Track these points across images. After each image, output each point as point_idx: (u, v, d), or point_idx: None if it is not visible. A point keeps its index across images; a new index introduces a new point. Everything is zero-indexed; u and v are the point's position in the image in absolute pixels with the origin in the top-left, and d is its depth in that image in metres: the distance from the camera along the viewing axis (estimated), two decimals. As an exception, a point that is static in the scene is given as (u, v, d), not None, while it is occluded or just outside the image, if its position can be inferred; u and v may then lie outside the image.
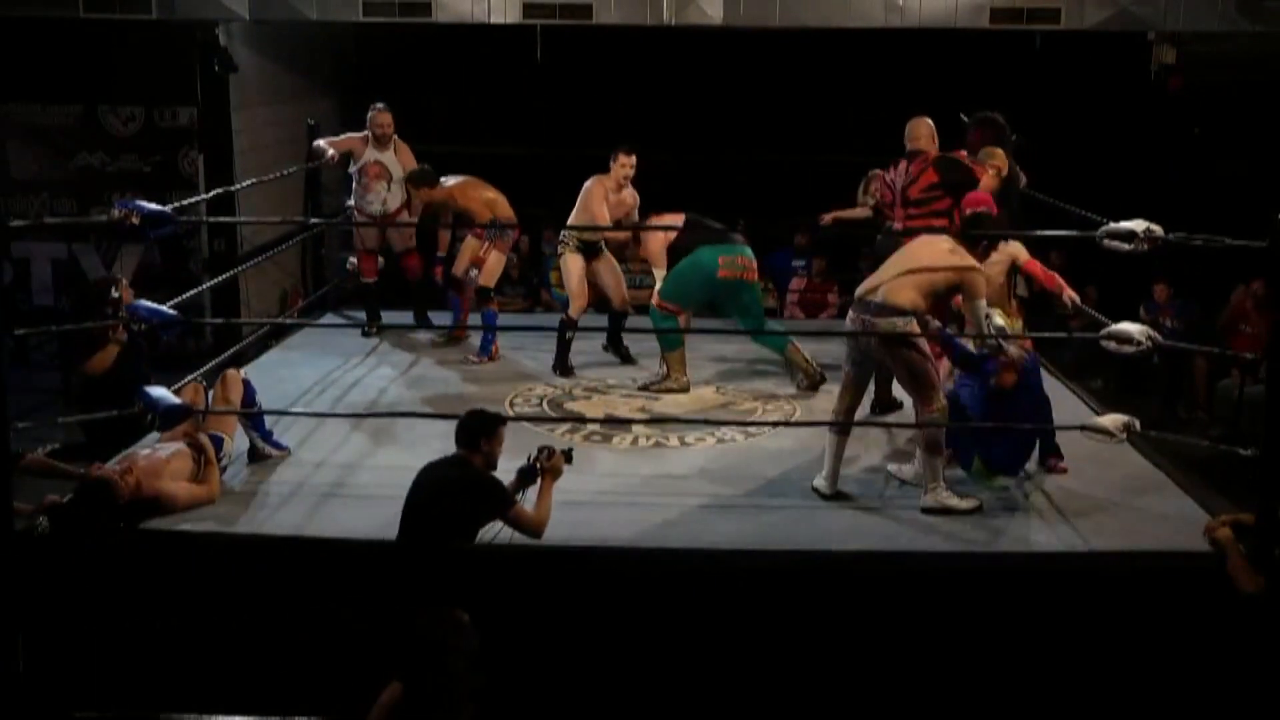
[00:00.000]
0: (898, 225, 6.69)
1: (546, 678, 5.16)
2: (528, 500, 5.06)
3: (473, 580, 4.76)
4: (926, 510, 5.59)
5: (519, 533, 4.99)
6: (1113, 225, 5.30)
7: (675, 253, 7.38)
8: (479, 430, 4.87)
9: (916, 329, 5.59)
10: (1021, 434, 5.83)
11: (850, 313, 5.78)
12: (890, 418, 6.69)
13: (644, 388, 7.40)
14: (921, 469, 5.71)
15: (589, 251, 7.86)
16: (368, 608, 4.79)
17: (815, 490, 5.78)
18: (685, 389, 7.35)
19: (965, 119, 6.83)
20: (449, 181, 8.08)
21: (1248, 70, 9.69)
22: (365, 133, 8.31)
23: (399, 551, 4.75)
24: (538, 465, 5.09)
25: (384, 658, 4.73)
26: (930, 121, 6.74)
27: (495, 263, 8.04)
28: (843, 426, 5.80)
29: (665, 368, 7.39)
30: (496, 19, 8.40)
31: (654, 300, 7.47)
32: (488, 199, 8.00)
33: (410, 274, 8.60)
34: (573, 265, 7.81)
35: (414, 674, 4.68)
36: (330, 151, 8.39)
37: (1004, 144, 6.83)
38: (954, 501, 5.60)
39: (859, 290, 5.75)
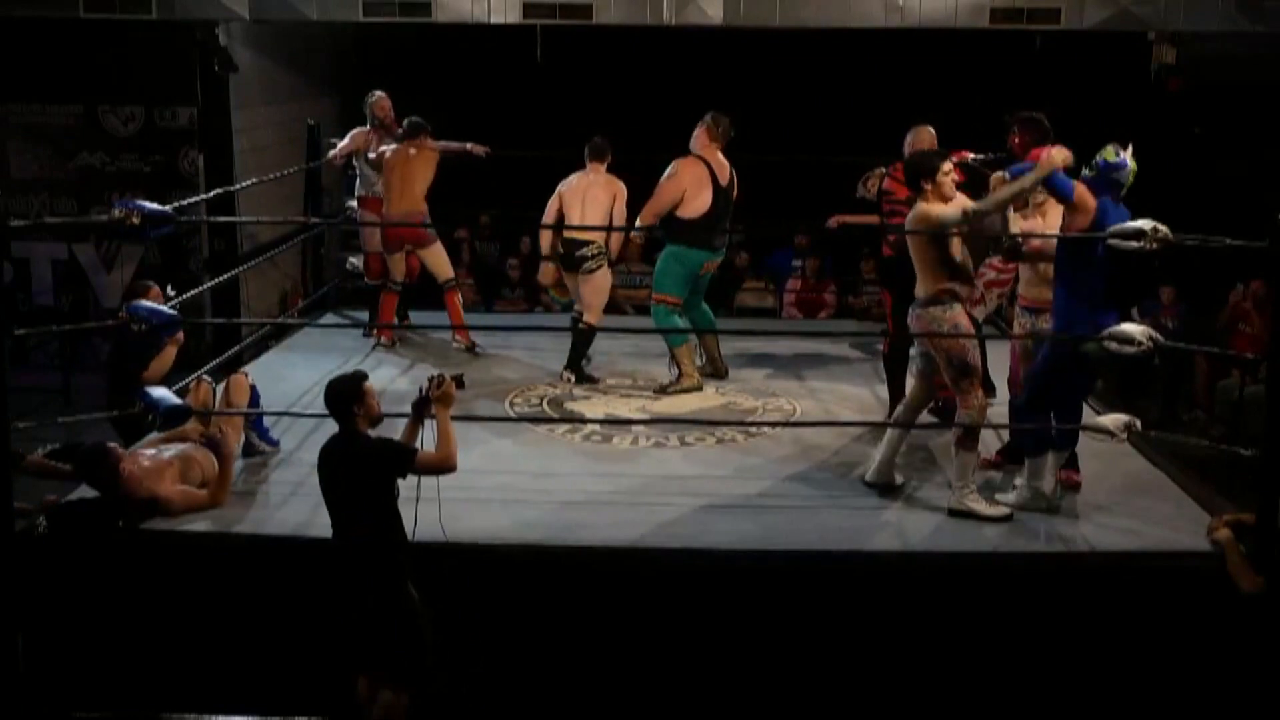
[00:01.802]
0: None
1: (547, 678, 5.17)
2: (433, 430, 4.91)
3: (413, 561, 4.72)
4: (953, 512, 5.55)
5: (432, 475, 4.87)
6: (1119, 225, 5.26)
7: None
8: (346, 398, 4.73)
9: (958, 316, 5.55)
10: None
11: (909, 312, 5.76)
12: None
13: (661, 390, 7.37)
14: (958, 470, 5.63)
15: None
16: (334, 604, 4.77)
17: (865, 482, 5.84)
18: (699, 386, 7.35)
19: (1009, 119, 6.77)
20: (412, 148, 8.08)
21: (1248, 70, 9.68)
22: (368, 127, 8.35)
23: (338, 544, 4.74)
24: (429, 395, 4.96)
25: (347, 650, 4.74)
26: (931, 130, 6.71)
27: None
28: (906, 425, 5.80)
29: (677, 368, 7.38)
30: (496, 19, 8.40)
31: (654, 297, 7.40)
32: (392, 185, 8.10)
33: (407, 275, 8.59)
34: (608, 280, 7.74)
35: (376, 661, 4.68)
36: (332, 152, 8.46)
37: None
38: (980, 507, 5.54)
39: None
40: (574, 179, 7.65)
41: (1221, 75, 9.67)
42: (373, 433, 4.80)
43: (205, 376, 6.15)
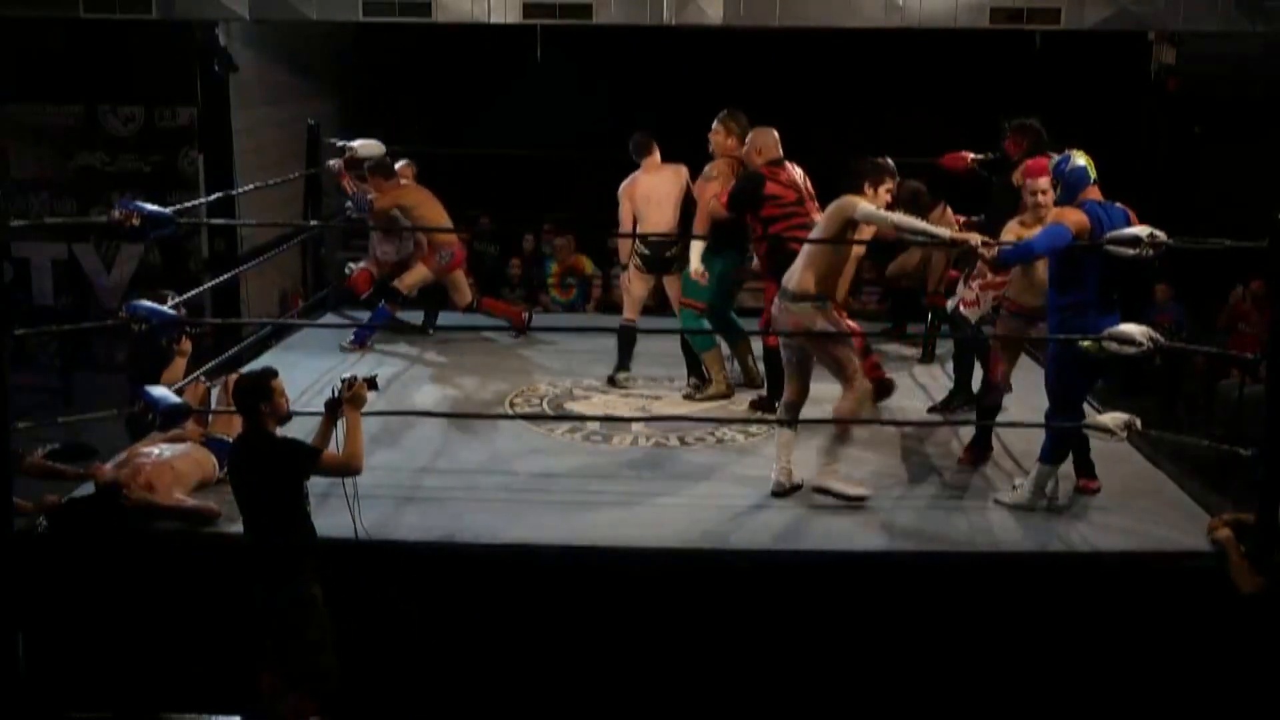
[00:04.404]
0: (815, 217, 6.36)
1: (547, 678, 5.17)
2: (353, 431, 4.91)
3: (320, 555, 4.73)
4: (817, 490, 5.70)
5: (336, 476, 4.90)
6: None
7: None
8: (252, 396, 4.73)
9: (831, 314, 5.65)
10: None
11: (774, 302, 5.83)
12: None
13: (688, 397, 7.29)
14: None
15: None
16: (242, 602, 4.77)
17: (774, 492, 5.78)
18: (730, 394, 7.21)
19: (1006, 125, 6.74)
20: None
21: (1248, 70, 9.68)
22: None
23: (248, 543, 4.75)
24: (341, 397, 4.95)
25: (252, 648, 4.74)
26: (775, 132, 6.76)
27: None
28: (790, 422, 5.84)
29: (707, 371, 7.28)
30: (496, 19, 8.40)
31: (685, 300, 7.22)
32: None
33: (358, 287, 8.66)
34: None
35: (277, 656, 4.67)
36: (333, 161, 8.52)
37: (1044, 153, 6.62)
38: (840, 486, 5.69)
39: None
40: (636, 180, 7.39)
41: (1221, 75, 9.67)
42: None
43: (202, 377, 6.14)
